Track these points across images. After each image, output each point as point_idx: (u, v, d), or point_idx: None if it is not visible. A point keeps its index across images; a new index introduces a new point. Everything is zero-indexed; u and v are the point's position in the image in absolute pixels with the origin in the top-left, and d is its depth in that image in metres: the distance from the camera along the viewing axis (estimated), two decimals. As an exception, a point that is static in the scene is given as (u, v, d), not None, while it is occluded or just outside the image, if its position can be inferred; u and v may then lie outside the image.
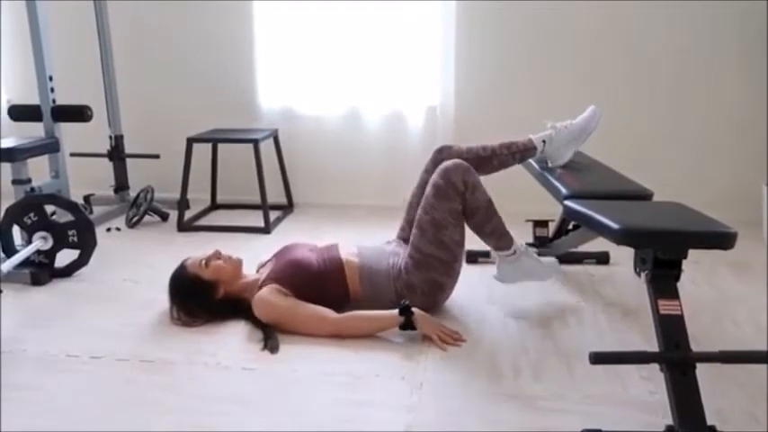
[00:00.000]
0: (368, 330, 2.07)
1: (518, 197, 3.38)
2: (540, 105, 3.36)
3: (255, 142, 3.30)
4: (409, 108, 3.61)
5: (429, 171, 2.29)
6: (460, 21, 3.46)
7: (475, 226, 2.15)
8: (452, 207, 2.09)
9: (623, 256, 2.56)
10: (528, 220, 2.79)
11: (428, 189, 2.14)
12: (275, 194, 3.64)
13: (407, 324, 2.02)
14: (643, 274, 1.68)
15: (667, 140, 3.44)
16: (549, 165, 2.33)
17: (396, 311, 2.03)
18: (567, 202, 1.91)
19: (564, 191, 2.03)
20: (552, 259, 2.33)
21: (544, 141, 2.28)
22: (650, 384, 1.76)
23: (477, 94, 3.53)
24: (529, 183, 2.61)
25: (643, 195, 2.02)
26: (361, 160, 3.72)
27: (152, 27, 3.79)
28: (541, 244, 2.74)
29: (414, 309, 2.03)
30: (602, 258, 2.76)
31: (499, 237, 2.17)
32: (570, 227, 2.58)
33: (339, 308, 2.12)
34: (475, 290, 2.47)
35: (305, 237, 2.66)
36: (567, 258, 2.75)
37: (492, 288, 2.48)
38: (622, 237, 1.60)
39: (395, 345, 2.02)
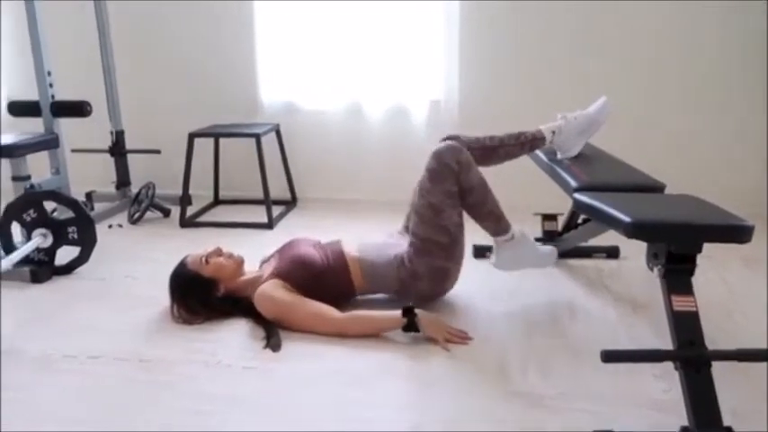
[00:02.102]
0: (371, 331, 2.03)
1: (526, 190, 3.32)
2: (544, 99, 3.30)
3: (257, 137, 3.25)
4: (412, 102, 3.56)
5: None
6: (464, 14, 3.41)
7: (471, 207, 2.11)
8: (447, 189, 2.06)
9: (634, 250, 2.51)
10: (536, 214, 2.73)
11: (423, 174, 2.11)
12: (278, 190, 3.61)
13: (411, 326, 1.98)
14: (656, 269, 1.62)
15: (676, 134, 3.38)
16: (559, 156, 2.28)
17: (399, 312, 1.99)
18: (577, 195, 1.86)
19: (573, 183, 1.98)
20: (550, 247, 2.28)
21: (553, 132, 2.24)
22: (663, 382, 1.71)
23: (482, 87, 3.48)
24: (537, 175, 2.55)
25: (655, 188, 1.97)
26: (365, 155, 3.67)
27: (153, 22, 3.74)
28: (550, 238, 2.68)
29: (417, 310, 1.99)
30: (613, 252, 2.71)
31: (496, 219, 2.13)
32: (580, 220, 2.53)
33: (344, 300, 2.16)
34: (481, 286, 2.43)
35: (308, 232, 2.61)
36: (576, 252, 2.70)
37: (499, 284, 2.44)
38: (634, 230, 1.55)
39: (400, 344, 1.97)
